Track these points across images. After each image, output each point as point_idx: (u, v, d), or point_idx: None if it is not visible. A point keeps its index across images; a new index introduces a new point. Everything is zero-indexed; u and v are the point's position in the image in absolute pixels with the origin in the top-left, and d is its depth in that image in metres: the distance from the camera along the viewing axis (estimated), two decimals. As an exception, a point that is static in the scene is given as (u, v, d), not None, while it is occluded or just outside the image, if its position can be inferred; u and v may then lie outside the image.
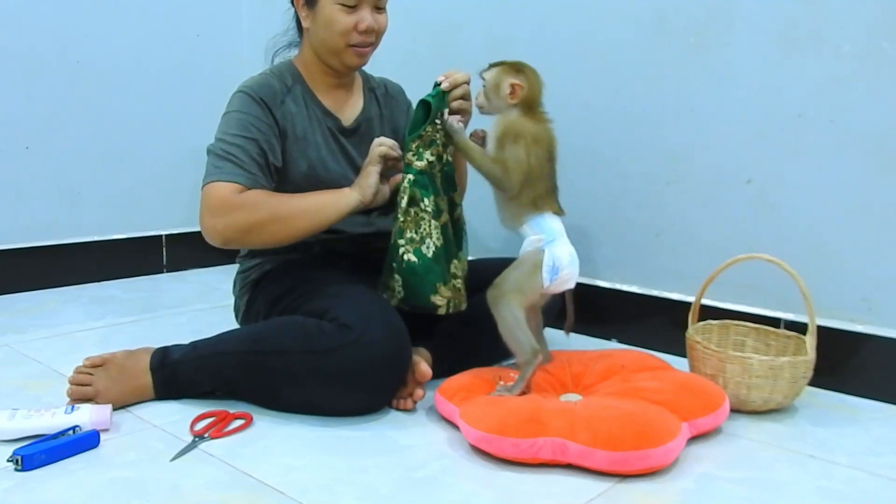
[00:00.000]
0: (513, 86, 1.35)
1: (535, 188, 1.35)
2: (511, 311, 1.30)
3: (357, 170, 1.57)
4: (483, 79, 1.41)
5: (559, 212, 1.38)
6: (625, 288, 1.81)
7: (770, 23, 1.54)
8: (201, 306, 2.02)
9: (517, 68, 1.37)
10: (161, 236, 2.38)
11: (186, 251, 2.43)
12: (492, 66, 1.41)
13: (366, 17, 1.44)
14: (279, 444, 1.21)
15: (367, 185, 1.39)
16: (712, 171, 1.65)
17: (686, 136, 1.68)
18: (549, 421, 1.15)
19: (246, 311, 1.57)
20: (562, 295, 1.41)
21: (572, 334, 1.48)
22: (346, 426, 1.28)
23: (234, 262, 1.66)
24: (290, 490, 1.06)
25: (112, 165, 2.27)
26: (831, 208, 1.51)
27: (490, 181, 1.36)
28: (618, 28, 1.75)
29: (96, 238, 2.25)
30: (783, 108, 1.54)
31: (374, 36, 1.47)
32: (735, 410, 1.35)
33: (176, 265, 2.42)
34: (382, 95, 1.67)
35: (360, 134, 1.60)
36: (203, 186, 1.40)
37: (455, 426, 1.26)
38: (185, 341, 1.39)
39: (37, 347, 1.64)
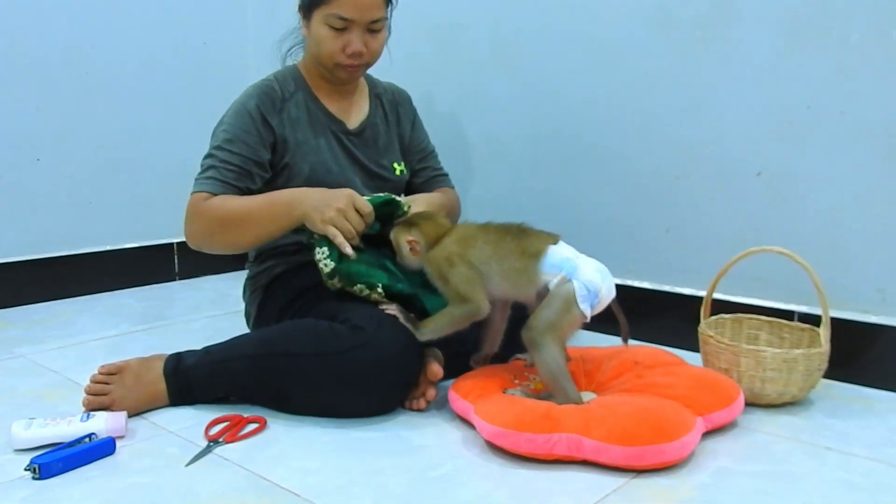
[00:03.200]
0: (410, 243, 1.34)
1: (513, 255, 1.28)
2: (552, 355, 1.23)
3: (363, 169, 1.58)
4: (394, 235, 1.39)
5: (553, 239, 1.31)
6: (636, 284, 1.80)
7: (776, 14, 1.53)
8: (214, 313, 2.03)
9: (409, 224, 1.36)
10: (172, 244, 2.39)
11: (198, 258, 2.41)
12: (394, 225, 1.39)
13: (353, 40, 1.44)
14: (293, 447, 1.21)
15: (313, 222, 1.34)
16: (721, 165, 1.64)
17: (694, 131, 1.67)
18: (564, 417, 1.15)
19: (257, 315, 1.57)
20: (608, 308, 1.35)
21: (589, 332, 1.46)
22: (359, 428, 1.28)
23: (245, 269, 1.66)
24: (305, 493, 1.06)
25: (122, 175, 2.28)
26: (843, 199, 1.50)
27: (468, 320, 1.30)
28: (623, 24, 1.74)
29: (108, 247, 2.26)
30: (791, 100, 1.53)
31: (364, 57, 1.48)
32: (750, 404, 1.34)
33: (188, 273, 2.43)
34: (389, 102, 1.68)
35: (364, 138, 1.61)
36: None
37: (469, 425, 1.26)
38: (199, 348, 1.39)
39: (52, 357, 1.65)
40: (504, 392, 1.29)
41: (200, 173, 1.47)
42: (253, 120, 1.48)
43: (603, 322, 1.32)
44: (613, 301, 1.31)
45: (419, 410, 1.35)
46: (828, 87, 1.49)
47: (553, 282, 1.27)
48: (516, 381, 1.35)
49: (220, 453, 1.18)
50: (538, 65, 1.89)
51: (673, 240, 1.74)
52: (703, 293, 1.52)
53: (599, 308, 1.29)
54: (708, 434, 1.23)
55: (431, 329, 1.30)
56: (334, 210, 1.32)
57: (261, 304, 1.57)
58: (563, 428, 1.12)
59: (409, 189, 1.70)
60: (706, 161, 1.66)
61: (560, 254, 1.28)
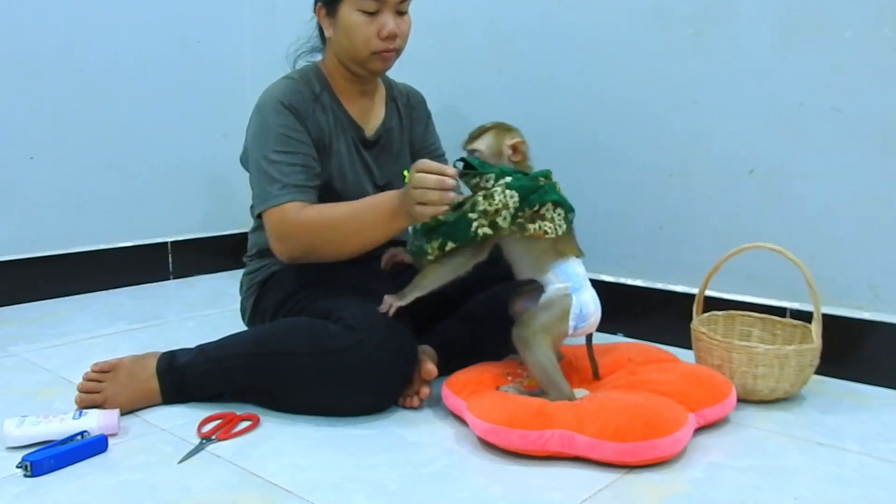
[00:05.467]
0: (514, 146, 1.33)
1: (546, 241, 1.30)
2: (543, 353, 1.26)
3: (374, 182, 1.57)
4: (476, 150, 1.36)
5: (579, 254, 1.33)
6: (630, 282, 1.80)
7: (770, 11, 1.54)
8: (209, 312, 2.03)
9: (507, 127, 1.35)
10: (167, 243, 2.39)
11: (193, 257, 2.44)
12: (479, 133, 1.36)
13: (388, 22, 1.42)
14: (287, 444, 1.21)
15: (418, 216, 1.27)
16: (715, 162, 1.65)
17: (688, 128, 1.67)
18: (556, 414, 1.15)
19: (252, 311, 1.57)
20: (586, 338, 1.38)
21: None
22: (353, 425, 1.28)
23: (240, 268, 1.66)
24: (298, 489, 1.06)
25: (117, 173, 2.28)
26: (835, 196, 1.51)
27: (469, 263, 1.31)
28: (618, 22, 1.75)
29: (103, 246, 2.26)
30: (785, 97, 1.54)
31: (397, 41, 1.46)
32: (742, 400, 1.35)
33: (183, 271, 2.43)
34: (404, 105, 1.66)
35: (380, 145, 1.59)
36: (263, 212, 1.42)
37: (462, 422, 1.26)
38: (192, 346, 1.39)
39: (46, 356, 1.65)
40: (497, 389, 1.29)
41: (268, 184, 1.40)
42: (294, 114, 1.44)
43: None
44: (589, 337, 1.36)
45: (413, 408, 1.35)
46: (821, 84, 1.50)
47: (556, 285, 1.29)
48: (509, 378, 1.35)
49: (212, 450, 1.18)
50: (534, 63, 1.89)
51: (667, 237, 1.74)
52: (696, 290, 1.52)
53: (580, 333, 1.32)
54: (700, 430, 1.24)
55: (431, 279, 1.30)
56: (428, 197, 1.25)
57: (256, 300, 1.57)
58: (556, 424, 1.13)
59: None
60: (700, 158, 1.67)
61: (575, 268, 1.31)
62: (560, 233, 1.29)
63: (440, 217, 1.27)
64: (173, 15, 2.36)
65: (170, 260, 2.40)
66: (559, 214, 1.30)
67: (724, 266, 1.45)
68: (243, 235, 2.59)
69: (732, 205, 1.63)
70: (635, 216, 1.78)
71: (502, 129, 1.36)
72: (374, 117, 1.59)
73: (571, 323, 1.28)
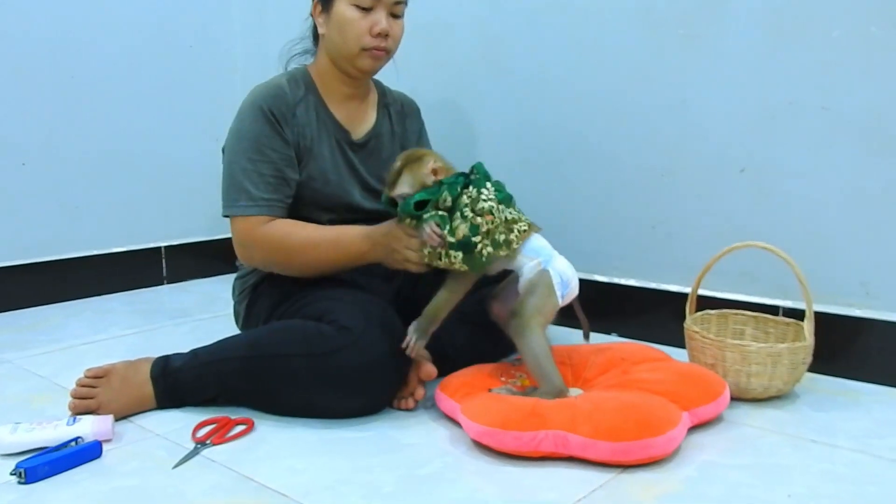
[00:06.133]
0: (434, 171, 1.30)
1: (502, 225, 1.30)
2: (539, 341, 1.27)
3: (362, 182, 1.57)
4: (402, 194, 1.31)
5: (537, 228, 1.34)
6: (622, 282, 1.81)
7: (758, 10, 1.55)
8: (203, 316, 2.03)
9: (416, 157, 1.32)
10: (160, 248, 2.39)
11: (186, 262, 2.44)
12: (395, 178, 1.32)
13: (381, 20, 1.44)
14: (281, 448, 1.21)
15: (392, 258, 1.33)
16: (706, 162, 1.65)
17: (678, 128, 1.68)
18: (550, 415, 1.15)
19: (246, 315, 1.57)
20: (569, 306, 1.38)
21: (573, 331, 1.48)
22: (347, 427, 1.28)
23: (234, 272, 1.66)
24: (293, 492, 1.06)
25: (109, 178, 2.27)
26: (826, 194, 1.51)
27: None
28: (608, 23, 1.75)
29: (96, 252, 2.25)
30: (774, 96, 1.55)
31: (388, 41, 1.47)
32: (736, 398, 1.35)
33: (176, 276, 2.42)
34: (397, 113, 1.66)
35: (368, 149, 1.59)
36: (229, 216, 1.47)
37: (456, 423, 1.26)
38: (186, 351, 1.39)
39: (39, 362, 1.64)
40: (490, 391, 1.29)
41: (235, 192, 1.43)
42: (270, 122, 1.45)
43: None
44: (576, 300, 1.36)
45: (408, 410, 1.35)
46: (810, 82, 1.50)
47: (528, 265, 1.31)
48: (503, 379, 1.35)
49: (207, 455, 1.18)
50: (524, 64, 1.90)
51: (659, 237, 1.75)
52: (689, 289, 1.52)
53: (567, 300, 1.33)
54: (694, 428, 1.24)
55: (445, 310, 1.32)
56: (401, 254, 1.31)
57: (249, 304, 1.57)
58: (550, 425, 1.13)
59: None
60: (690, 158, 1.67)
61: (538, 242, 1.33)
62: (527, 227, 1.31)
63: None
64: (164, 19, 2.36)
65: (164, 265, 2.40)
66: (503, 205, 1.31)
67: (716, 265, 1.46)
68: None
69: (724, 204, 1.64)
70: (627, 216, 1.79)
71: (412, 162, 1.32)
72: (363, 121, 1.59)
73: (558, 292, 1.30)
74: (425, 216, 1.27)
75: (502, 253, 1.28)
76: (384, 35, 1.45)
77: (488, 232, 1.27)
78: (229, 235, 1.47)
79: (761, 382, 1.35)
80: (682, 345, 1.48)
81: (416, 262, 1.30)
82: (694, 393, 1.25)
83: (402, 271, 1.37)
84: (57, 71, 2.14)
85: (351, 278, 1.48)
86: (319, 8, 1.49)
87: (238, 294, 1.61)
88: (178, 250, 2.43)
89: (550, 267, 1.31)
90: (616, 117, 1.77)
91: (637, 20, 1.71)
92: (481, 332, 1.48)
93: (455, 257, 1.27)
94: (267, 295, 1.52)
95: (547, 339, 1.29)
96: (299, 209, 1.49)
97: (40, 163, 2.13)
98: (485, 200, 1.29)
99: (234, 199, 1.44)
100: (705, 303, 1.57)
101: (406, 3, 1.51)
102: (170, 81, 2.39)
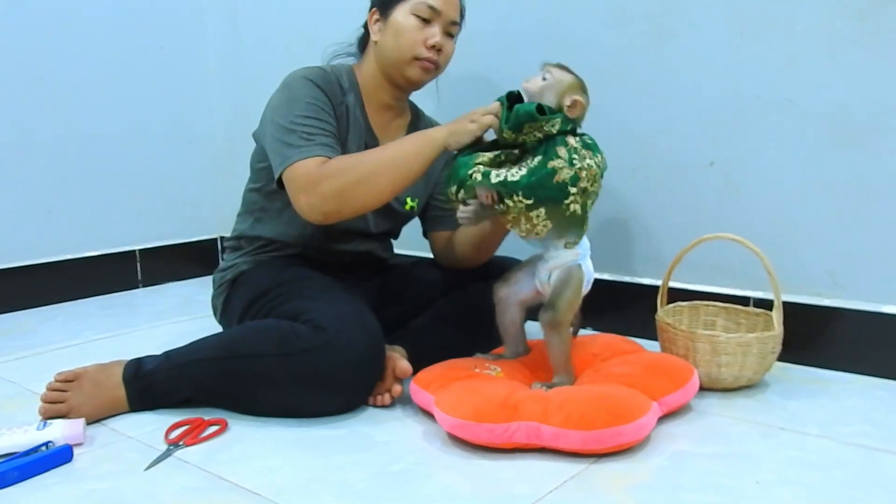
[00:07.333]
0: (575, 101, 1.29)
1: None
2: (568, 336, 1.32)
3: None
4: (549, 74, 1.32)
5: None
6: (596, 276, 1.81)
7: (724, 5, 1.56)
8: (179, 319, 2.01)
9: (584, 88, 1.34)
10: (135, 251, 2.37)
11: (161, 265, 2.42)
12: (562, 68, 1.35)
13: (436, 34, 1.45)
14: (255, 447, 1.21)
15: (461, 133, 1.31)
16: (676, 156, 1.67)
17: (649, 122, 1.70)
18: (522, 406, 1.16)
19: (223, 309, 1.57)
20: None
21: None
22: (322, 426, 1.28)
23: (210, 274, 1.65)
24: (266, 491, 1.06)
25: (82, 182, 2.25)
26: (793, 185, 1.53)
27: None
28: (577, 19, 1.77)
29: (69, 256, 2.24)
30: (741, 90, 1.57)
31: (440, 55, 1.47)
32: (707, 388, 1.37)
33: (151, 279, 2.41)
34: None
35: None
36: (284, 170, 1.36)
37: (431, 418, 1.27)
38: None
39: (11, 368, 1.63)
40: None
41: (292, 142, 1.35)
42: (323, 91, 1.43)
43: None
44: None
45: (384, 406, 1.35)
46: (775, 76, 1.52)
47: (564, 253, 1.30)
48: (477, 371, 1.35)
49: (180, 456, 1.18)
50: (494, 62, 1.90)
51: (631, 231, 1.76)
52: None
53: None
54: (665, 418, 1.25)
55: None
56: (469, 118, 1.31)
57: (226, 299, 1.56)
58: (522, 416, 1.14)
59: (425, 220, 1.68)
60: (661, 152, 1.69)
61: (586, 238, 1.34)
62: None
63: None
64: (134, 21, 2.34)
65: (139, 268, 2.38)
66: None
67: (688, 257, 1.47)
68: (213, 242, 2.59)
69: (694, 197, 1.66)
70: (599, 210, 1.77)
71: (578, 85, 1.32)
72: (392, 136, 1.57)
73: (584, 290, 1.32)
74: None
75: (578, 223, 1.26)
76: (438, 49, 1.46)
77: (584, 191, 1.24)
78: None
79: (732, 372, 1.37)
80: (656, 337, 1.50)
81: (484, 125, 1.29)
82: (662, 382, 1.27)
83: (382, 274, 1.36)
84: (27, 74, 2.12)
85: (329, 277, 1.48)
86: (377, 16, 1.50)
87: (217, 287, 1.60)
88: (152, 253, 2.41)
89: (583, 263, 1.32)
90: (588, 113, 1.77)
91: (607, 16, 1.72)
92: (458, 333, 1.49)
93: (520, 201, 1.21)
94: (244, 290, 1.52)
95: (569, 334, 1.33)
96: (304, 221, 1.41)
97: (10, 167, 2.11)
98: (591, 158, 1.26)
99: (291, 149, 1.35)
100: (677, 295, 1.59)
101: (461, 27, 1.52)
102: (142, 84, 2.37)
